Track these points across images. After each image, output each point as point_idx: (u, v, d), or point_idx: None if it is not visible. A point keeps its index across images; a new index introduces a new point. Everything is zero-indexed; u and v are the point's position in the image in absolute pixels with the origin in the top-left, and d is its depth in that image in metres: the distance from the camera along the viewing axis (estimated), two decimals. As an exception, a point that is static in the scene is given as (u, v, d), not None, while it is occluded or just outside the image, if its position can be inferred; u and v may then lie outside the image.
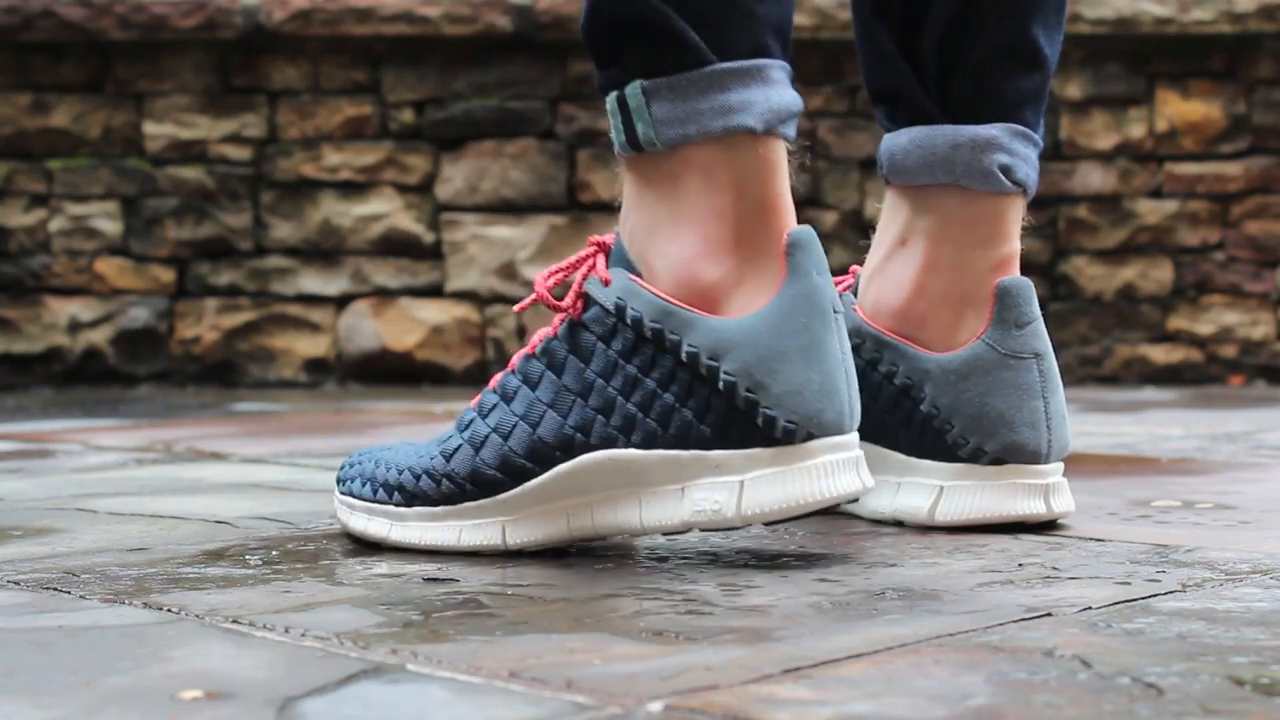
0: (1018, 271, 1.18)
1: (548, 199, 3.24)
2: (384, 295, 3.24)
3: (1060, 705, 0.64)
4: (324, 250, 3.25)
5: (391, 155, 3.24)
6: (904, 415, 1.15)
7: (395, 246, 3.24)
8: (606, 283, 1.00)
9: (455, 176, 3.24)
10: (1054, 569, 0.96)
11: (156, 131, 3.24)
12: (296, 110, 3.24)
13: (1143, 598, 0.87)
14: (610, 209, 3.21)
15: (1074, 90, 3.24)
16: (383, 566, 1.00)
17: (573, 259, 1.03)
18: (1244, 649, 0.74)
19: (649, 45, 0.97)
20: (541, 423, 1.00)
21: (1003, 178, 1.16)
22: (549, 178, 3.23)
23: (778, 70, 0.99)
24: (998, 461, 1.13)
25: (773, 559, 1.01)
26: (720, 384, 0.95)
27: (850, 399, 0.98)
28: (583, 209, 3.24)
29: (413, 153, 3.24)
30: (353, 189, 3.25)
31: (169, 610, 0.86)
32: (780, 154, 0.99)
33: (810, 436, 0.96)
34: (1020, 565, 0.98)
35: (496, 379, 1.05)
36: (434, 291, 3.25)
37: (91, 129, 3.24)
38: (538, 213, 3.24)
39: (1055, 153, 3.23)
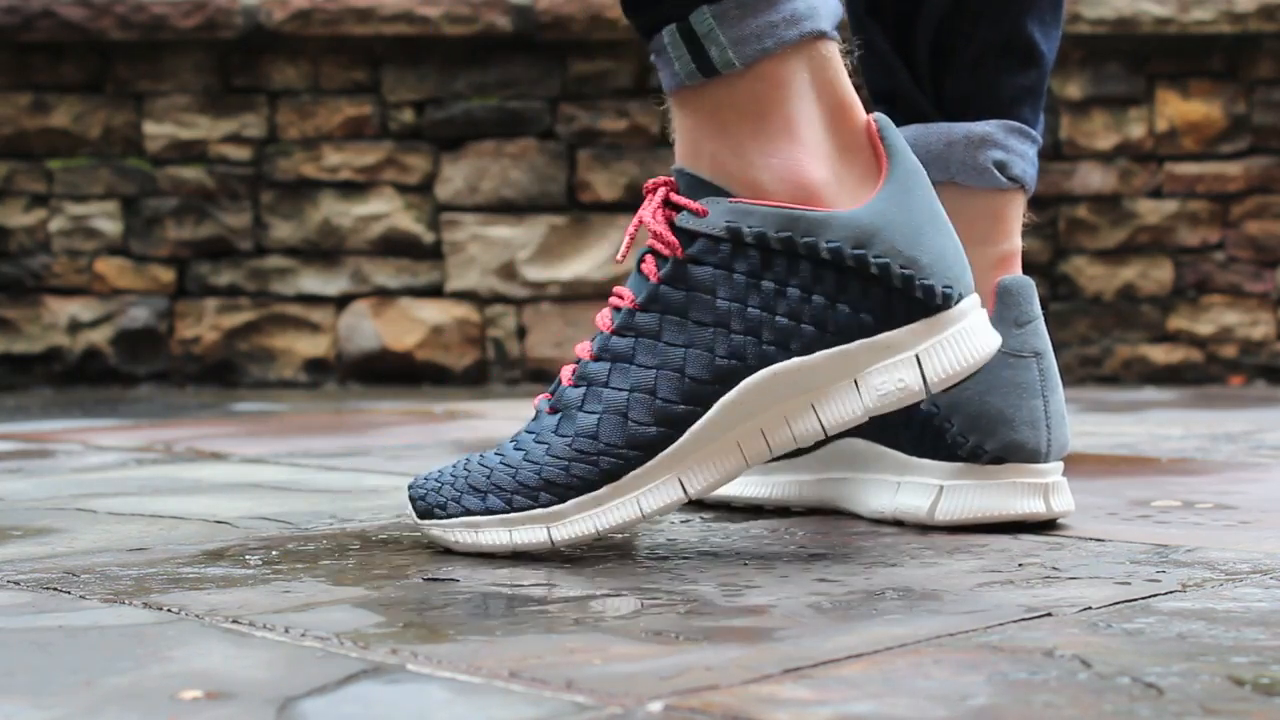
0: (1019, 268, 1.18)
1: (548, 199, 3.24)
2: (384, 295, 3.24)
3: (1060, 705, 0.64)
4: (324, 250, 3.25)
5: (391, 155, 3.24)
6: (904, 413, 1.15)
7: (395, 246, 3.24)
8: (703, 213, 0.99)
9: (455, 176, 3.24)
10: (1054, 569, 0.96)
11: (156, 131, 3.24)
12: (296, 110, 3.24)
13: (1143, 598, 0.87)
14: (610, 209, 3.21)
15: (1074, 90, 3.24)
16: (382, 567, 1.00)
17: (647, 207, 1.02)
18: (1244, 649, 0.74)
19: None
20: (687, 364, 0.98)
21: (998, 174, 1.16)
22: (549, 178, 3.23)
23: None
24: (997, 460, 1.13)
25: (773, 559, 1.01)
26: (874, 269, 0.97)
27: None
28: (583, 209, 3.24)
29: (413, 153, 3.24)
30: (353, 189, 3.25)
31: (169, 610, 0.86)
32: (838, 53, 1.01)
33: (961, 297, 0.99)
34: (1020, 565, 0.98)
35: (585, 349, 1.02)
36: (434, 291, 3.25)
37: (91, 129, 3.24)
38: (538, 213, 3.24)
39: (1055, 153, 3.23)
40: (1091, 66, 3.24)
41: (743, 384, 0.98)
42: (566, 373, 1.03)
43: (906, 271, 0.97)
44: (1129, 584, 0.91)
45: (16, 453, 1.85)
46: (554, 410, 1.02)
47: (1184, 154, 3.25)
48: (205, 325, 3.24)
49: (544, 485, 1.00)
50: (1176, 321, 3.25)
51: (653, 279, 1.00)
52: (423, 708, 0.65)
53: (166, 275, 3.25)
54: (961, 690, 0.67)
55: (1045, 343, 1.15)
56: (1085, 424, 2.16)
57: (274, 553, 1.06)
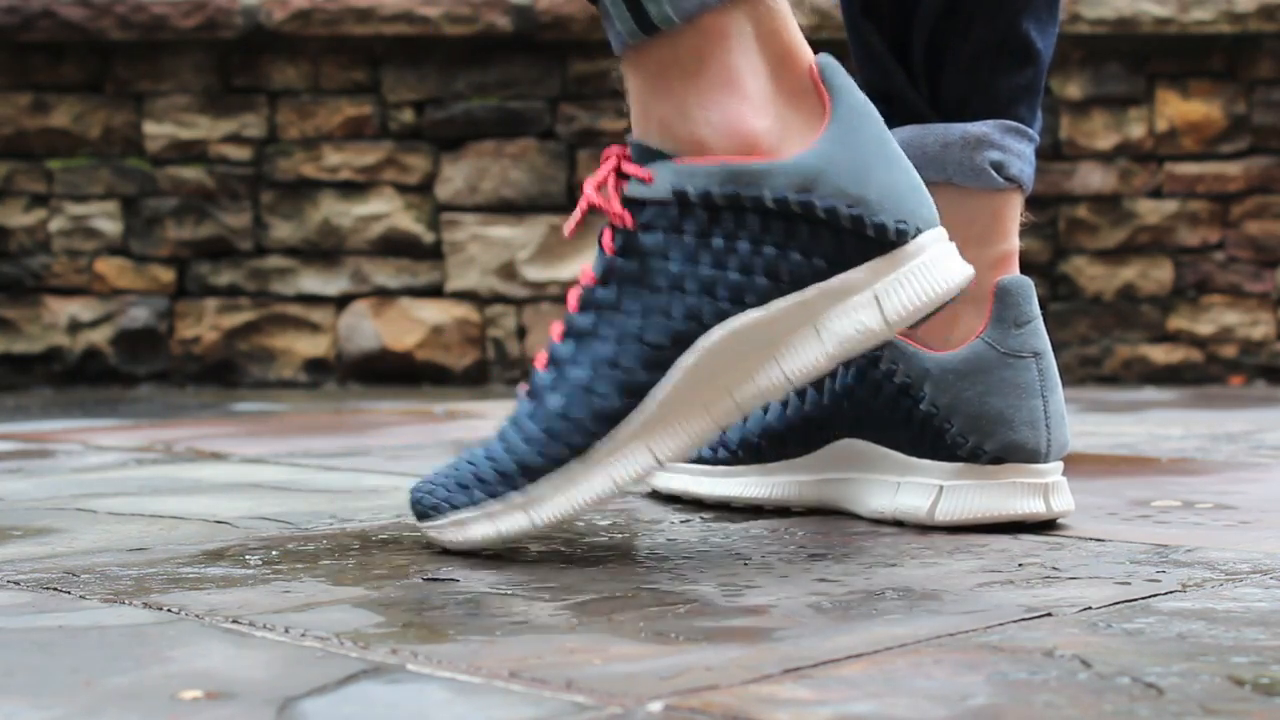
0: (1017, 268, 1.18)
1: (548, 199, 3.24)
2: (384, 295, 3.24)
3: (1060, 705, 0.64)
4: (324, 250, 3.25)
5: (391, 155, 3.24)
6: (903, 414, 1.15)
7: (395, 246, 3.25)
8: (649, 180, 0.99)
9: (455, 176, 3.24)
10: (1054, 569, 0.96)
11: (156, 131, 3.24)
12: (296, 110, 3.24)
13: (1143, 598, 0.87)
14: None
15: (1074, 90, 3.24)
16: (382, 567, 1.00)
17: (599, 175, 1.01)
18: (1244, 649, 0.74)
19: None
20: (645, 332, 0.98)
21: (995, 174, 1.16)
22: (549, 178, 3.23)
23: None
24: (997, 461, 1.13)
25: (773, 559, 1.01)
26: (820, 213, 0.96)
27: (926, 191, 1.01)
28: (583, 209, 3.24)
29: (413, 153, 3.24)
30: (353, 189, 3.25)
31: (169, 610, 0.86)
32: (784, 1, 1.00)
33: (918, 231, 0.98)
34: (1020, 565, 0.98)
35: (557, 330, 1.02)
36: (434, 291, 3.25)
37: (91, 129, 3.24)
38: (538, 213, 3.24)
39: (1055, 153, 3.23)
40: (1091, 66, 3.24)
41: (700, 344, 0.97)
42: (541, 358, 1.03)
43: (855, 211, 0.96)
44: (1129, 584, 0.91)
45: (16, 453, 1.85)
46: (530, 396, 1.02)
47: (1184, 154, 3.25)
48: (205, 325, 3.24)
49: (520, 471, 1.00)
50: (1176, 321, 3.25)
51: (608, 252, 1.00)
52: (423, 708, 0.66)
53: (166, 275, 3.25)
54: (961, 690, 0.67)
55: (1044, 343, 1.15)
56: (1085, 424, 2.16)
57: (274, 553, 1.06)
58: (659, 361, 0.98)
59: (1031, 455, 1.13)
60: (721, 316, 0.97)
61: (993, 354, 1.13)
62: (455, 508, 1.02)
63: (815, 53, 1.01)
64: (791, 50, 1.00)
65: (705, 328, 0.97)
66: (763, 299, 0.97)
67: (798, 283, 0.97)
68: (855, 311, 0.97)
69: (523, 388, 1.04)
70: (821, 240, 0.96)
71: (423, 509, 1.04)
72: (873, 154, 0.98)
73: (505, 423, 1.03)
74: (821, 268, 0.97)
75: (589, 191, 1.01)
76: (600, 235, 1.01)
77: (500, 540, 1.01)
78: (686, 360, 0.97)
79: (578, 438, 0.99)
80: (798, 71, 1.00)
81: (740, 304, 0.97)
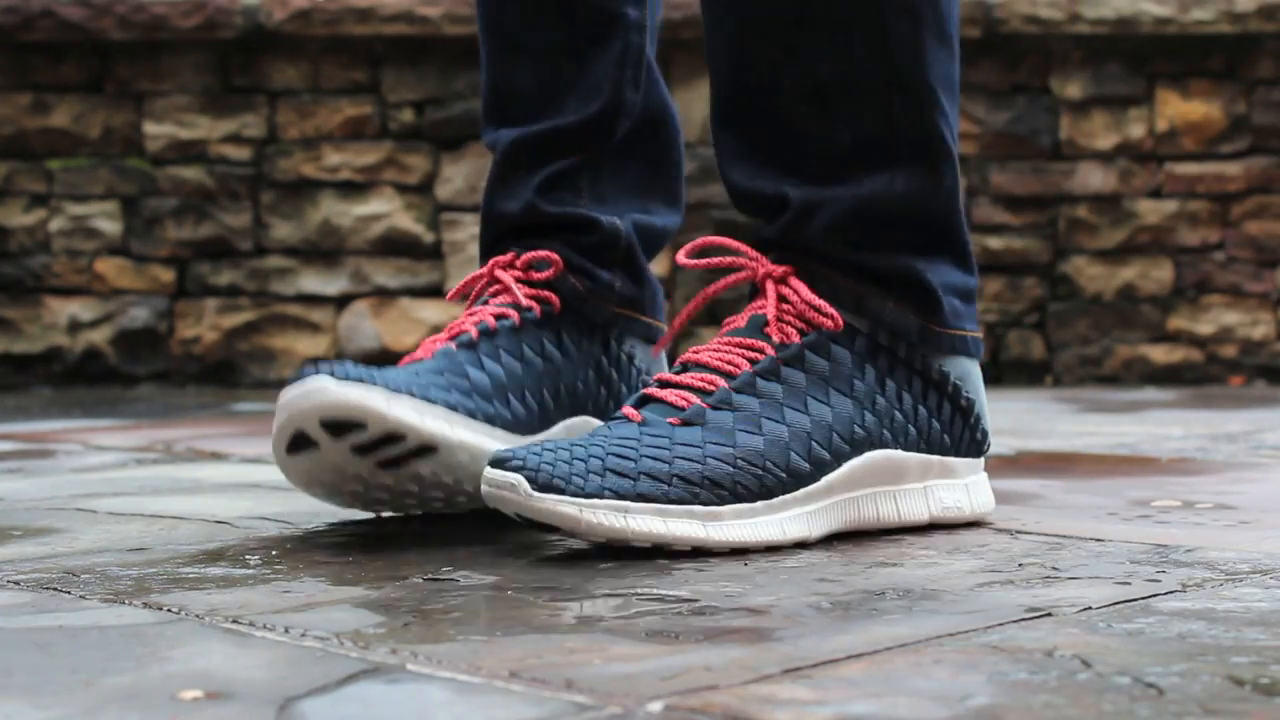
0: None
1: (548, 199, 3.23)
2: (384, 295, 3.24)
3: (1060, 705, 0.64)
4: (324, 250, 3.25)
5: (391, 155, 3.24)
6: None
7: (395, 246, 3.25)
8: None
9: (455, 176, 3.24)
10: (1054, 569, 0.97)
11: (156, 131, 3.24)
12: (296, 110, 3.24)
13: (1143, 598, 0.87)
14: (610, 209, 3.21)
15: (1074, 90, 3.24)
16: (382, 567, 1.00)
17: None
18: (1244, 649, 0.74)
19: None
20: (835, 421, 1.09)
21: None
22: (549, 178, 3.23)
23: None
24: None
25: (773, 559, 1.01)
26: (963, 401, 1.15)
27: None
28: (583, 209, 3.24)
29: (413, 153, 3.24)
30: (353, 189, 3.25)
31: (169, 610, 0.86)
32: None
33: (987, 451, 1.19)
34: (1020, 565, 0.98)
35: (722, 385, 1.07)
36: (434, 291, 3.25)
37: (91, 129, 3.24)
38: (538, 213, 3.24)
39: (1055, 153, 3.23)
40: (1091, 66, 3.23)
41: (867, 455, 1.10)
42: (685, 396, 1.07)
43: (979, 413, 1.16)
44: (1129, 584, 0.91)
45: (16, 453, 1.85)
46: (692, 424, 1.05)
47: (1184, 154, 3.25)
48: (205, 325, 3.24)
49: (705, 483, 1.02)
50: (1176, 321, 3.25)
51: (794, 339, 1.09)
52: (423, 708, 0.66)
53: (166, 275, 3.25)
54: (961, 690, 0.67)
55: None
56: (1085, 424, 2.16)
57: (274, 553, 1.06)
58: (838, 451, 1.08)
59: None
60: (883, 443, 1.11)
61: None
62: (615, 494, 1.00)
63: None
64: None
65: (871, 443, 1.10)
66: (909, 445, 1.13)
67: (930, 446, 1.14)
68: (954, 491, 1.15)
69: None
70: (955, 423, 1.15)
71: (559, 476, 0.99)
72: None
73: (651, 433, 1.04)
74: (946, 444, 1.15)
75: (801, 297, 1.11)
76: (765, 310, 1.10)
77: (658, 542, 1.01)
78: (855, 460, 1.09)
79: (771, 480, 1.05)
80: None
81: (896, 439, 1.12)
